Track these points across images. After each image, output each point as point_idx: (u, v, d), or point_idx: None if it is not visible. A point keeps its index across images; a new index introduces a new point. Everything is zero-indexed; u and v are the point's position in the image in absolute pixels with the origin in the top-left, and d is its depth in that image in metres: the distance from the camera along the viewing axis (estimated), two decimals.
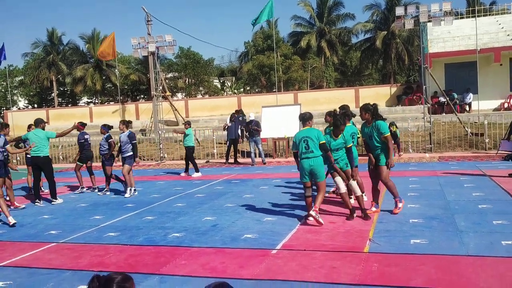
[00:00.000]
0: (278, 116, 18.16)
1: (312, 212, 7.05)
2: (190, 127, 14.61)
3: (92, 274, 5.43)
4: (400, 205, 7.65)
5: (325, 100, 27.94)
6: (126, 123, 11.31)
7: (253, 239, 6.64)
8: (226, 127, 16.89)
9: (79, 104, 56.15)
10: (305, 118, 7.53)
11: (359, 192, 7.53)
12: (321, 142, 7.20)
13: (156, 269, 5.54)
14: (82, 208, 9.86)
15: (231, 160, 17.14)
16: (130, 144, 10.96)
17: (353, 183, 7.58)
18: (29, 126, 11.81)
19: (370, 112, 7.59)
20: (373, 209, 7.76)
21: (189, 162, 14.48)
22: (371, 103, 7.78)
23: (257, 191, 10.74)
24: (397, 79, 45.75)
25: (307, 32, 45.98)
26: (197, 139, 23.07)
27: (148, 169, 17.12)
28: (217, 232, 7.10)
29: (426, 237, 6.23)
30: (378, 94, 28.10)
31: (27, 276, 5.61)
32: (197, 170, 14.38)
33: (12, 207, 9.83)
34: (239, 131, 16.95)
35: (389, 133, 7.55)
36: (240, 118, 17.09)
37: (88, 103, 58.87)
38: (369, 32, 43.83)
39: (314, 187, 7.42)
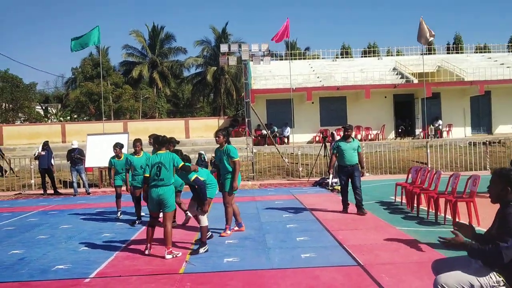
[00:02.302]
0: (105, 144, 17.57)
1: (167, 256, 6.63)
2: None
3: None
4: (229, 232, 8.07)
5: (155, 130, 27.33)
6: None
7: (65, 269, 6.31)
8: (39, 155, 15.83)
9: None
10: (162, 141, 7.04)
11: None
12: (180, 165, 6.79)
13: None
14: None
15: (50, 191, 15.96)
16: None
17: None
18: None
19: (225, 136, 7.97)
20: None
21: None
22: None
23: (76, 221, 10.21)
24: (227, 113, 48.12)
25: (139, 63, 45.84)
26: (12, 169, 20.94)
27: None
28: (25, 266, 6.55)
29: (239, 255, 6.69)
30: (207, 126, 29.15)
31: None
32: None
33: None
34: (52, 161, 16.05)
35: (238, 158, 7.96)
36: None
37: None
38: (200, 67, 45.65)
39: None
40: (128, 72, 46.02)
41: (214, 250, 7.00)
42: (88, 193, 15.50)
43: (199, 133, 28.40)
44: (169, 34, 46.24)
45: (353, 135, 9.97)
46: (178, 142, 9.11)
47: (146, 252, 6.89)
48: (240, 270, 6.00)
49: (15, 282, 5.80)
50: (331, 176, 13.48)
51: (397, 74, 28.98)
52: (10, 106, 47.63)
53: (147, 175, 6.87)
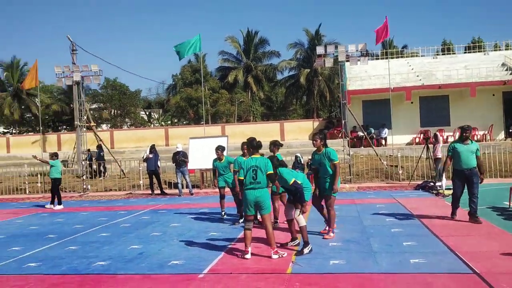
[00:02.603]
0: (206, 147, 18.37)
1: (273, 256, 6.79)
2: (57, 158, 14.58)
3: None
4: (332, 234, 8.07)
5: (252, 133, 28.12)
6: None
7: (180, 265, 6.73)
8: (147, 158, 16.94)
9: None
10: (257, 146, 7.30)
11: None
12: (268, 173, 6.96)
13: None
14: None
15: (158, 192, 17.03)
16: None
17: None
18: None
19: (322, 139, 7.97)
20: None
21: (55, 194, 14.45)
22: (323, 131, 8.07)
23: (184, 220, 10.81)
24: (320, 114, 47.90)
25: (234, 68, 47.19)
26: (122, 170, 22.65)
27: (70, 201, 16.49)
28: (144, 260, 7.10)
29: (344, 258, 6.67)
30: (301, 128, 29.26)
31: None
32: (59, 203, 14.36)
33: None
34: (159, 163, 17.16)
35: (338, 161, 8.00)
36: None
37: (4, 133, 55.51)
38: (293, 69, 45.85)
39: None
40: (224, 77, 47.59)
41: (319, 252, 7.05)
42: (192, 194, 16.28)
43: (293, 136, 28.60)
44: (263, 39, 47.13)
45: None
46: (281, 145, 9.32)
47: (247, 256, 6.83)
48: (347, 273, 5.99)
49: (138, 274, 6.31)
50: (444, 180, 12.86)
51: (506, 69, 26.88)
52: (118, 112, 51.57)
53: (241, 178, 7.05)
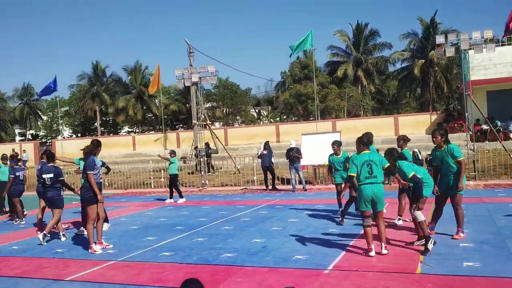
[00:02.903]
0: (318, 143, 18.33)
1: (383, 251, 6.76)
2: (175, 156, 15.53)
3: None
4: (462, 234, 7.60)
5: (364, 128, 27.73)
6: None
7: (304, 260, 6.80)
8: (261, 155, 17.34)
9: (120, 134, 57.95)
10: (368, 142, 7.23)
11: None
12: (386, 166, 6.97)
13: (215, 286, 5.77)
14: (134, 230, 10.25)
15: (270, 187, 17.39)
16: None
17: None
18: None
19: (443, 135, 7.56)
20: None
21: (173, 189, 15.31)
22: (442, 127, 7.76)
23: (301, 215, 10.89)
24: (436, 107, 45.26)
25: (343, 62, 46.38)
26: (236, 167, 23.50)
27: (191, 195, 17.50)
28: (268, 253, 7.29)
29: (479, 260, 6.23)
30: (417, 122, 27.90)
31: None
32: (181, 196, 15.28)
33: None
34: (272, 159, 17.52)
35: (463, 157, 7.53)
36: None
37: (128, 132, 60.70)
38: (406, 61, 43.80)
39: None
40: (333, 72, 47.01)
41: (449, 253, 6.68)
42: (305, 190, 16.35)
43: (408, 130, 27.31)
44: (373, 31, 45.66)
45: None
46: (409, 140, 9.06)
47: (371, 254, 6.71)
48: (484, 276, 5.59)
49: (264, 267, 6.50)
50: None
51: None
52: (230, 110, 53.55)
53: (353, 174, 6.91)
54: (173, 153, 15.64)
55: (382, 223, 6.90)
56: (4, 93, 60.20)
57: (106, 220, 10.37)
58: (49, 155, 9.64)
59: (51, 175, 9.12)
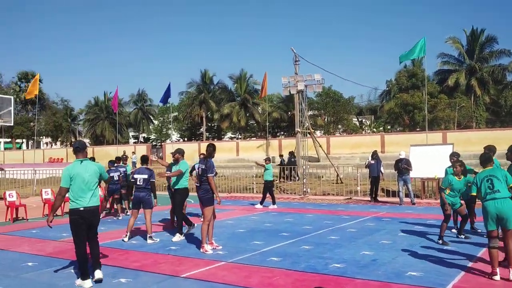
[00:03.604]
0: (428, 155, 17.42)
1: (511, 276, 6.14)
2: (270, 163, 15.87)
3: None
4: None
5: (478, 141, 25.92)
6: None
7: (419, 276, 6.46)
8: (369, 164, 16.90)
9: (224, 139, 60.06)
10: (488, 159, 6.84)
11: None
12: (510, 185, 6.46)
13: None
14: (241, 233, 10.52)
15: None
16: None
17: None
18: None
19: None
20: None
21: (266, 195, 15.46)
22: None
23: (412, 229, 10.40)
24: None
25: (455, 70, 43.81)
26: (339, 176, 23.14)
27: (293, 202, 17.57)
28: (379, 267, 7.04)
29: None
30: None
31: None
32: (273, 203, 15.41)
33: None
34: (382, 169, 17.00)
35: None
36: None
37: (231, 138, 62.75)
38: None
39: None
40: (443, 81, 44.55)
41: None
42: (413, 204, 15.60)
43: None
44: (490, 37, 42.51)
45: None
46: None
47: (495, 278, 6.18)
48: None
49: (376, 281, 6.29)
50: None
51: None
52: (332, 118, 53.03)
53: (474, 194, 6.71)
54: (268, 159, 15.97)
55: (511, 244, 6.29)
56: (121, 98, 65.61)
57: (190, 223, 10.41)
58: (143, 158, 10.30)
59: (145, 176, 9.63)
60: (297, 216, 13.39)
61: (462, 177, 8.78)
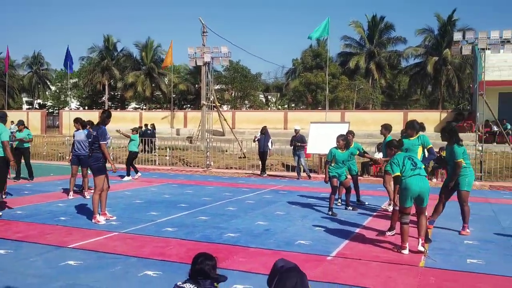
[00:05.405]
0: (326, 133, 18.24)
1: (420, 247, 6.39)
2: (137, 133, 15.65)
3: (156, 262, 5.78)
4: (468, 230, 7.65)
5: (372, 121, 27.75)
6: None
7: (307, 245, 6.80)
8: (257, 139, 17.43)
9: (128, 109, 57.94)
10: (401, 145, 7.29)
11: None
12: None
13: (218, 263, 5.76)
14: (138, 204, 10.28)
15: (257, 172, 17.57)
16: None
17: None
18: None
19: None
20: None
21: (130, 166, 15.14)
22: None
23: (306, 202, 10.90)
24: (445, 106, 44.95)
25: (356, 53, 46.05)
26: (242, 150, 23.46)
27: (195, 175, 17.52)
28: (271, 236, 7.30)
29: (483, 258, 6.22)
30: (427, 119, 27.47)
31: (95, 258, 6.00)
32: (128, 174, 15.05)
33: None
34: (269, 145, 17.58)
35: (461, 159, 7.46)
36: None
37: (136, 108, 60.72)
38: (419, 57, 43.45)
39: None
40: (345, 63, 46.70)
41: (454, 249, 6.67)
42: (309, 177, 16.32)
43: None
44: (388, 24, 45.23)
45: None
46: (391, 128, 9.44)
47: (404, 252, 6.36)
48: (487, 273, 5.57)
49: (267, 249, 6.51)
50: None
51: None
52: (239, 94, 53.37)
53: (398, 173, 6.56)
54: (135, 130, 15.63)
55: (424, 220, 6.59)
56: (14, 60, 60.21)
57: None
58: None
59: None
60: (198, 188, 13.39)
61: (345, 150, 9.51)
